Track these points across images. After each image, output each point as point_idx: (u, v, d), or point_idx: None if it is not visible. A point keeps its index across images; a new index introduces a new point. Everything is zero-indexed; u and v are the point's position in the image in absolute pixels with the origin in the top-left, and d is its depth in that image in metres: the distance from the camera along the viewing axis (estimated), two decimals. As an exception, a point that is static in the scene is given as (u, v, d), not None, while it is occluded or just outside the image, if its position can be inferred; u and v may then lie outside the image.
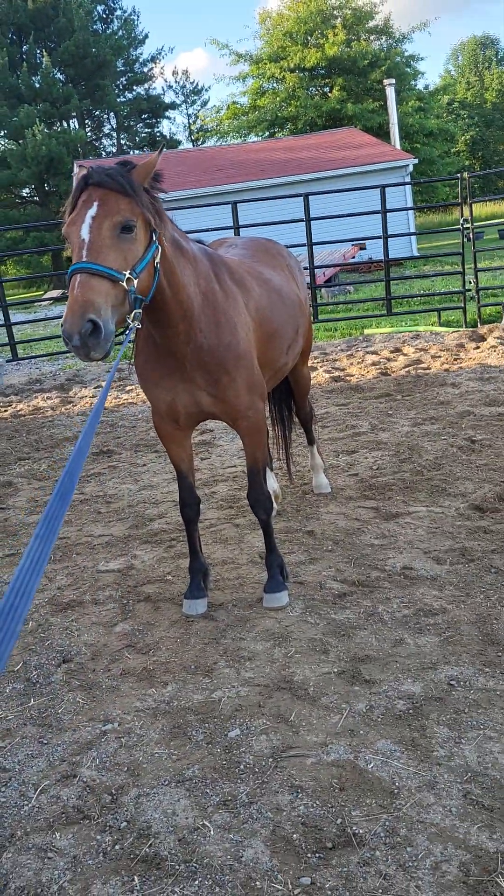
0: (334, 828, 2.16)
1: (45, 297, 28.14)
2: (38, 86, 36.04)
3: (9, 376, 11.99)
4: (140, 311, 2.65)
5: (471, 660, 2.94)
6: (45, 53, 36.00)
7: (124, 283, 2.53)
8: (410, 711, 2.66)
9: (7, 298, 13.21)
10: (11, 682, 3.17)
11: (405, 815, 2.19)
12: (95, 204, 2.58)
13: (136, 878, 2.08)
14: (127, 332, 2.61)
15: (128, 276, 2.54)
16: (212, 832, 2.21)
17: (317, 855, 2.08)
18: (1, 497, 5.81)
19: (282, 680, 2.94)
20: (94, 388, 10.01)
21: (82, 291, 2.45)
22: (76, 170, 26.97)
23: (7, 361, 12.84)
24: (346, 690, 2.84)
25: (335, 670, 2.97)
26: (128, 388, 9.70)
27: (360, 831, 2.14)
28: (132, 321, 2.59)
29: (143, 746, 2.65)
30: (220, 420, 3.46)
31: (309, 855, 2.08)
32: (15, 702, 3.03)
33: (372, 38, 36.86)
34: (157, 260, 2.76)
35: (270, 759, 2.50)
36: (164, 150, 2.96)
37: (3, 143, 38.41)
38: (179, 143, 47.27)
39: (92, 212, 2.57)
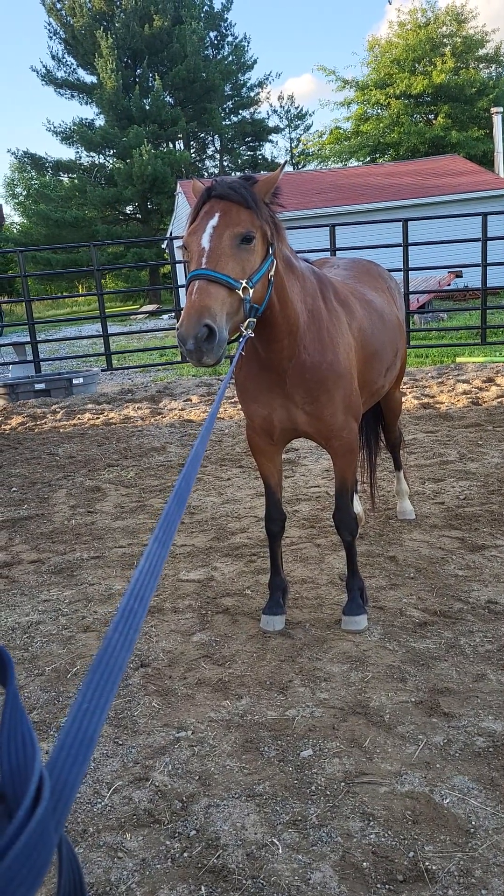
0: (406, 860, 2.11)
1: (140, 310, 28.91)
2: (147, 108, 37.28)
3: (102, 385, 12.36)
4: (254, 319, 2.68)
5: None
6: (156, 77, 37.23)
7: (240, 292, 2.56)
8: (490, 750, 2.57)
9: (105, 311, 13.66)
10: (90, 680, 3.24)
11: (481, 855, 2.11)
12: (217, 215, 2.63)
13: (202, 887, 2.08)
14: (241, 339, 2.63)
15: (244, 284, 2.57)
16: (280, 851, 2.19)
17: (387, 886, 2.03)
18: (89, 501, 5.97)
19: (357, 704, 2.90)
20: (184, 401, 10.20)
21: (200, 297, 2.47)
22: (179, 186, 27.72)
23: (102, 371, 13.25)
24: (423, 721, 2.77)
25: (413, 700, 2.91)
26: (216, 403, 9.83)
27: (433, 867, 2.08)
28: (245, 329, 2.63)
29: (215, 757, 2.66)
30: (313, 439, 3.45)
31: (379, 885, 2.04)
32: (93, 700, 3.09)
33: (481, 66, 36.52)
34: (272, 273, 2.80)
35: (342, 783, 2.46)
36: (286, 168, 3.01)
37: (111, 161, 39.87)
38: (279, 166, 47.79)
39: (213, 222, 2.62)
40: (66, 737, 0.62)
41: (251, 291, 2.61)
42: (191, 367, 13.45)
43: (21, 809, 0.53)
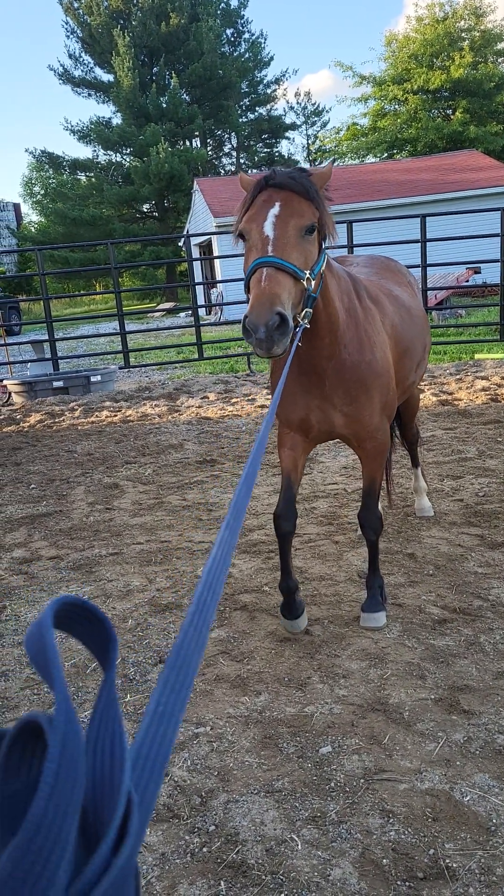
0: (426, 858, 2.10)
1: (157, 308, 28.98)
2: (164, 106, 37.31)
3: (120, 383, 12.40)
4: (310, 310, 2.63)
5: None
6: (173, 75, 37.24)
7: (304, 283, 2.52)
8: (511, 748, 2.55)
9: (123, 309, 13.70)
10: (109, 676, 3.25)
11: (502, 853, 2.10)
12: (278, 204, 2.58)
13: (222, 882, 2.08)
14: (297, 330, 2.56)
15: (307, 275, 2.54)
16: (299, 847, 2.19)
17: (407, 884, 2.02)
18: (108, 498, 5.99)
19: (376, 701, 2.89)
20: (201, 398, 10.21)
21: (270, 284, 2.41)
22: (196, 184, 27.74)
23: (119, 368, 13.29)
24: (442, 719, 2.75)
25: (432, 697, 2.89)
26: (233, 400, 9.84)
27: (454, 865, 2.06)
28: (303, 320, 2.58)
29: (234, 753, 2.66)
30: (347, 442, 3.39)
31: (399, 883, 2.03)
32: (112, 696, 3.10)
33: (500, 60, 36.20)
34: (324, 266, 2.75)
35: (362, 780, 2.45)
36: (335, 163, 2.98)
37: (128, 159, 39.95)
38: (297, 163, 47.74)
39: (275, 210, 2.57)
40: (140, 748, 0.50)
41: (313, 283, 2.57)
42: (208, 364, 13.46)
43: (105, 843, 0.42)
